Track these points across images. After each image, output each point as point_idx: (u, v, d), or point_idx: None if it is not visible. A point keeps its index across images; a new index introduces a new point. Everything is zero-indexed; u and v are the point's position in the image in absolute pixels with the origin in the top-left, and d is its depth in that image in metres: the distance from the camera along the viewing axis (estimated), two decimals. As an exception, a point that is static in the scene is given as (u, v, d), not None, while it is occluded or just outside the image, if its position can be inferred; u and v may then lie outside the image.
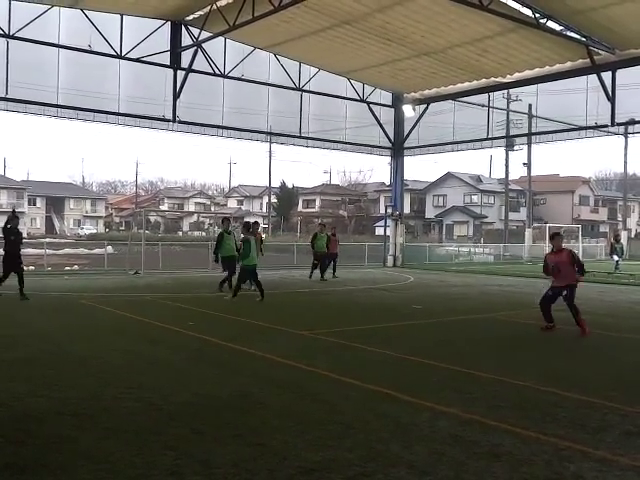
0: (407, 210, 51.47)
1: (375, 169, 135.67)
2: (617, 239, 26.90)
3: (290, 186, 77.42)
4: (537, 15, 16.55)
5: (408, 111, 25.52)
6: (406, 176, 30.41)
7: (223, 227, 16.19)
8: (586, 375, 7.21)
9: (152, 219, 79.68)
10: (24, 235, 14.45)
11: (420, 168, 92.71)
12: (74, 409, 5.38)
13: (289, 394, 6.06)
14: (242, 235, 14.26)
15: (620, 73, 19.50)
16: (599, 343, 9.48)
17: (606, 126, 20.54)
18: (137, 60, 20.13)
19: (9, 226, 13.37)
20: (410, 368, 7.43)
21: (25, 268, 14.09)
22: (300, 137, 24.70)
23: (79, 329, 9.99)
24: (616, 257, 25.02)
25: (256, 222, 16.59)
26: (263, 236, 15.79)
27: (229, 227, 16.13)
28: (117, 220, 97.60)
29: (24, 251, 14.86)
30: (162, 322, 10.46)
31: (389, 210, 28.93)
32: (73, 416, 5.19)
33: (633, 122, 20.63)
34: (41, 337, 9.06)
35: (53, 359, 7.55)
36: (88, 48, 19.30)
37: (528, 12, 16.53)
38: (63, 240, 52.69)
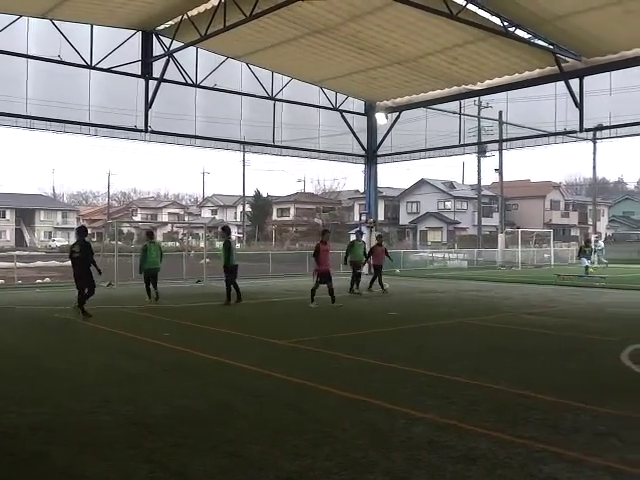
0: (381, 217, 51.72)
1: (349, 177, 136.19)
2: (587, 243, 27.28)
3: (264, 195, 77.40)
4: (506, 24, 16.82)
5: (381, 119, 25.69)
6: (380, 183, 30.53)
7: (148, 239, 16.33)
8: (559, 377, 7.31)
9: (125, 230, 78.90)
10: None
11: (394, 175, 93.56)
12: (48, 424, 5.31)
13: (266, 404, 6.05)
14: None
15: (587, 80, 19.85)
16: (571, 345, 9.62)
17: (575, 132, 20.90)
18: (108, 70, 19.94)
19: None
20: (387, 375, 7.45)
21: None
22: (274, 146, 24.67)
23: (53, 343, 9.87)
24: (586, 260, 25.36)
25: (226, 226, 16.78)
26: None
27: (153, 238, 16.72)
28: (89, 232, 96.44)
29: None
30: (137, 334, 10.36)
31: (363, 217, 29.00)
32: (47, 432, 5.12)
33: (601, 128, 20.97)
34: (14, 352, 8.91)
35: (26, 374, 7.43)
36: (58, 58, 19.11)
37: (497, 21, 16.79)
38: (34, 252, 51.84)
